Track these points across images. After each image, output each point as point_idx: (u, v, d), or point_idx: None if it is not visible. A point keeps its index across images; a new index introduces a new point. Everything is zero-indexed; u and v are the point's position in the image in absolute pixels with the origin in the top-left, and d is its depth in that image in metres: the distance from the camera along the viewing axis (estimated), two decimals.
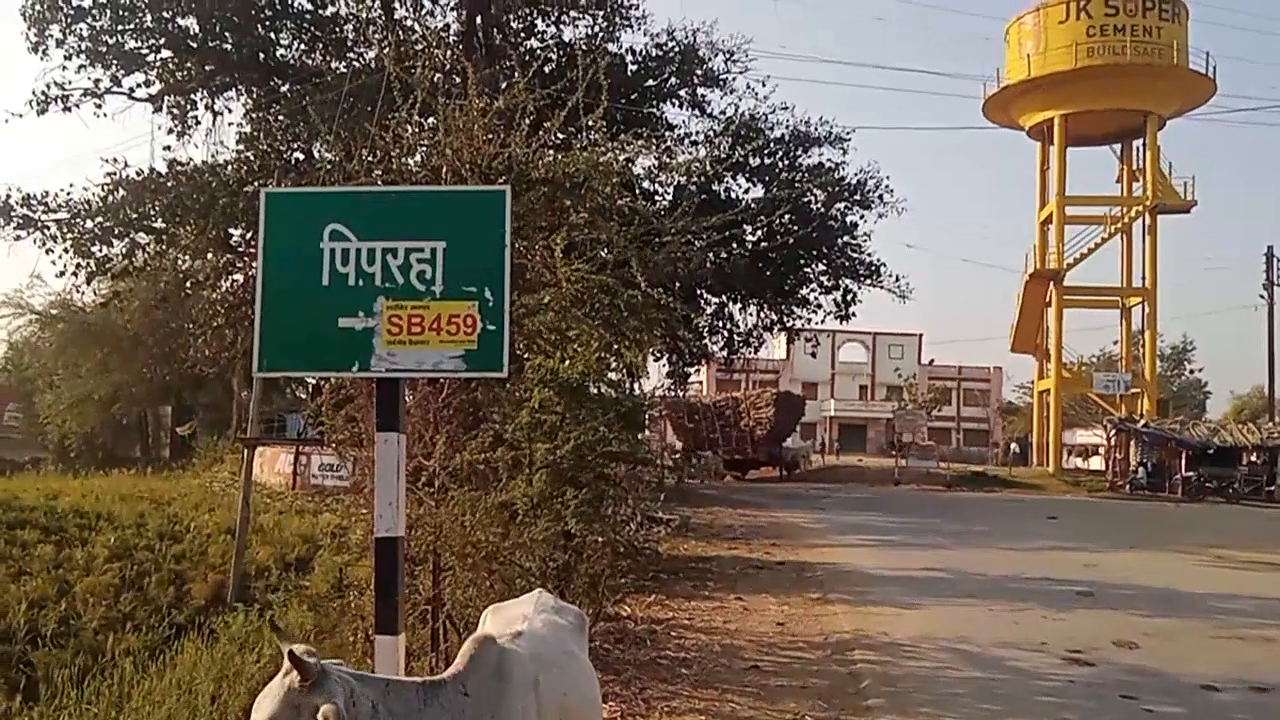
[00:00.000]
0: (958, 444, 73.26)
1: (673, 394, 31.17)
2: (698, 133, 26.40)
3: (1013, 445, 59.25)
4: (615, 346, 8.86)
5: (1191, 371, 78.74)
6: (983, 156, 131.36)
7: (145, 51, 19.63)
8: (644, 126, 23.62)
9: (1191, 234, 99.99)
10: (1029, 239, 47.65)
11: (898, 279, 28.12)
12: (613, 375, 9.59)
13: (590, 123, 8.52)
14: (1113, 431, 40.51)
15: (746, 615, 10.22)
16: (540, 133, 7.98)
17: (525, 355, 7.85)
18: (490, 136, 7.71)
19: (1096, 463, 49.23)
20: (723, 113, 26.12)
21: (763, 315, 29.81)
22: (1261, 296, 43.14)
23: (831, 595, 11.42)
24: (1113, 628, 9.59)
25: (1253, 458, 36.49)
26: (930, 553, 15.77)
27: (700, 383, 65.78)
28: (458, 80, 9.52)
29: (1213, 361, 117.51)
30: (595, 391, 9.00)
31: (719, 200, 26.93)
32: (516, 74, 8.65)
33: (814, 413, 76.00)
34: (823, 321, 29.75)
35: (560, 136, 10.53)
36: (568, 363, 8.30)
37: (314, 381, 11.88)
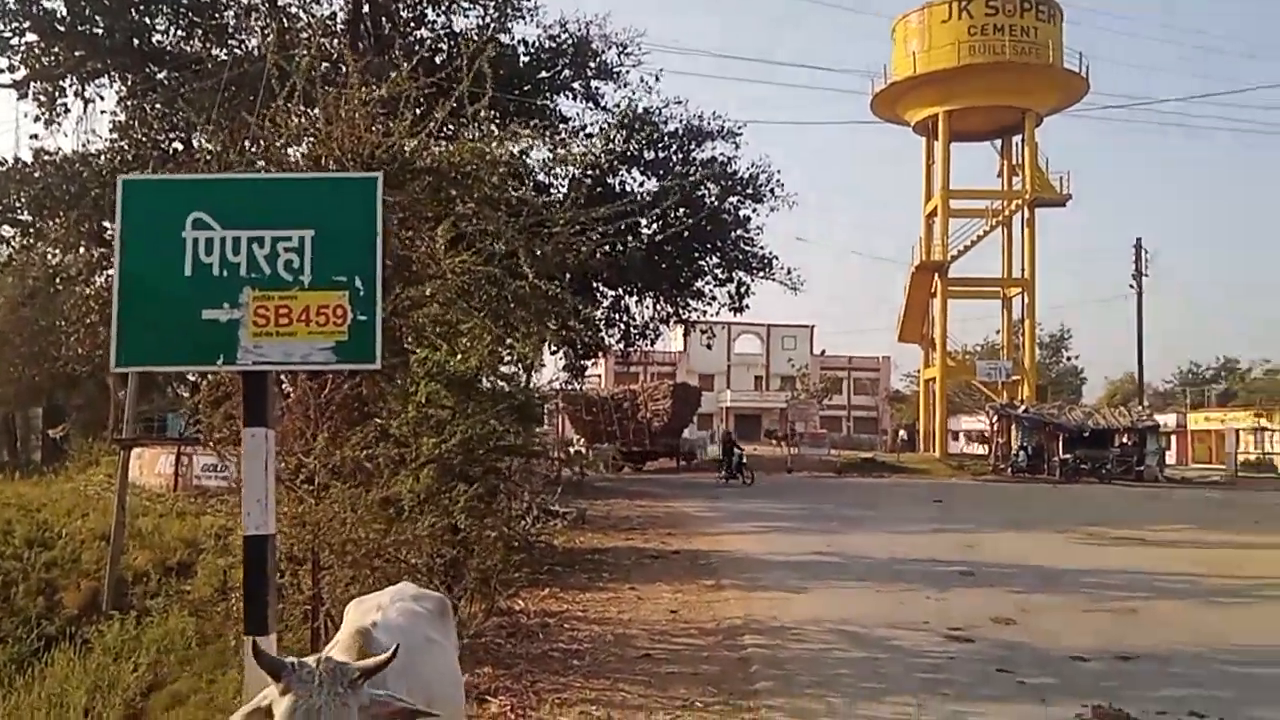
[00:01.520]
0: (849, 431, 74.98)
1: (570, 387, 31.14)
2: (592, 125, 26.40)
3: (901, 432, 61.09)
4: (507, 339, 8.81)
5: (1069, 358, 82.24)
6: (873, 151, 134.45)
7: (8, 35, 18.64)
8: (537, 118, 23.50)
9: (1068, 226, 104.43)
10: (916, 232, 49.06)
11: (789, 271, 28.63)
12: (507, 369, 9.55)
13: (477, 112, 8.45)
14: (995, 417, 42.02)
15: (640, 604, 10.27)
16: (427, 122, 7.87)
17: (413, 349, 7.75)
18: (374, 126, 7.57)
19: (981, 448, 51.05)
20: (617, 106, 26.21)
21: (659, 308, 30.00)
22: (1131, 286, 45.33)
23: (724, 582, 11.56)
24: (991, 605, 9.95)
25: (1124, 439, 38.33)
26: (820, 537, 16.10)
27: (599, 376, 65.90)
28: (344, 70, 9.31)
29: (1089, 349, 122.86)
30: (488, 385, 8.94)
31: (614, 193, 27.00)
32: (402, 63, 8.49)
33: (711, 404, 76.86)
34: (718, 314, 30.11)
35: (451, 127, 10.41)
36: (460, 356, 8.22)
37: (193, 378, 11.49)
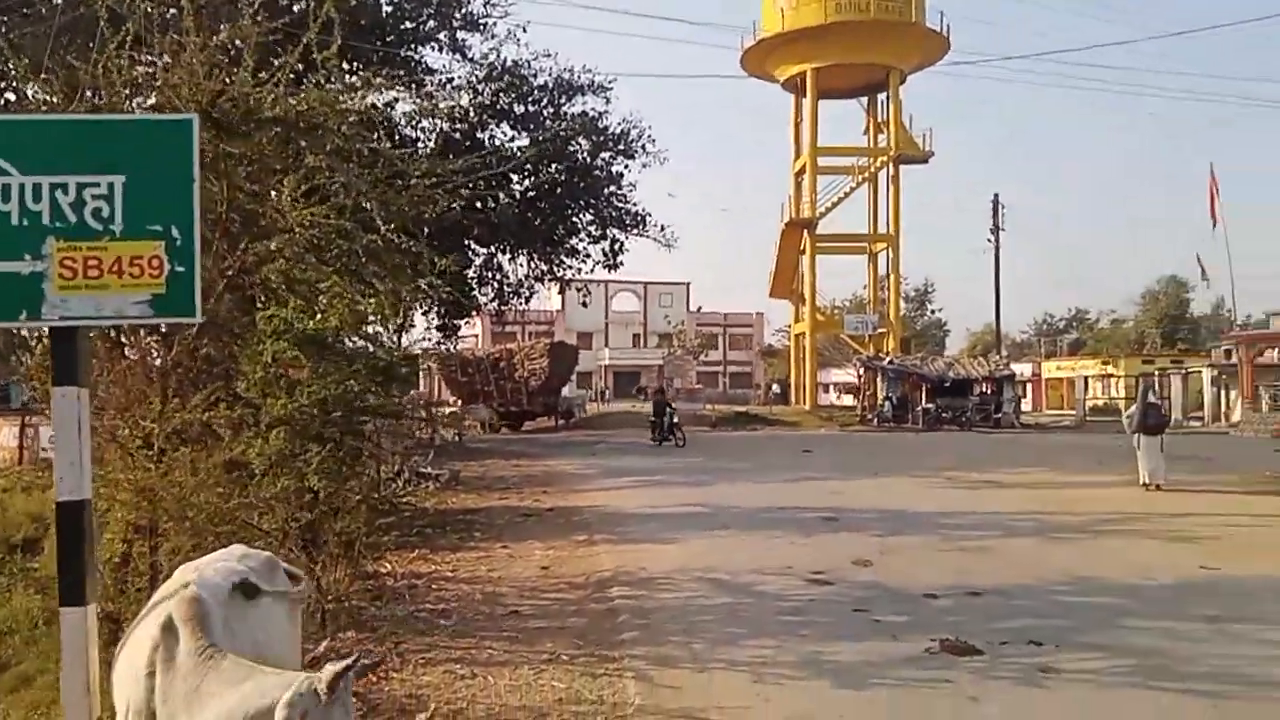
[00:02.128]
0: (725, 386, 76.35)
1: (442, 347, 30.65)
2: (459, 78, 25.78)
3: (774, 386, 62.49)
4: (366, 296, 8.54)
5: (933, 311, 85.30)
6: (745, 107, 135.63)
7: None
8: (402, 70, 22.79)
9: (931, 182, 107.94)
10: (787, 188, 49.84)
11: (663, 228, 28.71)
12: (371, 328, 9.28)
13: (327, 60, 8.09)
14: (862, 369, 43.35)
15: (511, 562, 10.23)
16: (274, 70, 7.50)
17: (265, 306, 7.45)
18: (214, 73, 7.18)
19: (851, 399, 52.60)
20: (484, 58, 25.69)
21: (533, 265, 29.73)
22: (989, 240, 47.20)
23: (597, 536, 11.62)
24: (852, 549, 10.30)
25: (983, 388, 40.09)
26: (693, 490, 16.36)
27: (475, 336, 65.12)
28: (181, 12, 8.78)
29: (951, 301, 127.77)
30: (350, 344, 8.68)
31: (483, 147, 26.52)
32: (245, 6, 8.06)
33: (589, 362, 77.01)
34: (592, 271, 30.03)
35: (307, 77, 9.94)
36: (319, 315, 7.93)
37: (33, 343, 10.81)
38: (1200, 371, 44.72)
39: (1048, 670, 5.84)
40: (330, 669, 2.68)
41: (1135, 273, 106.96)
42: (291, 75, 8.00)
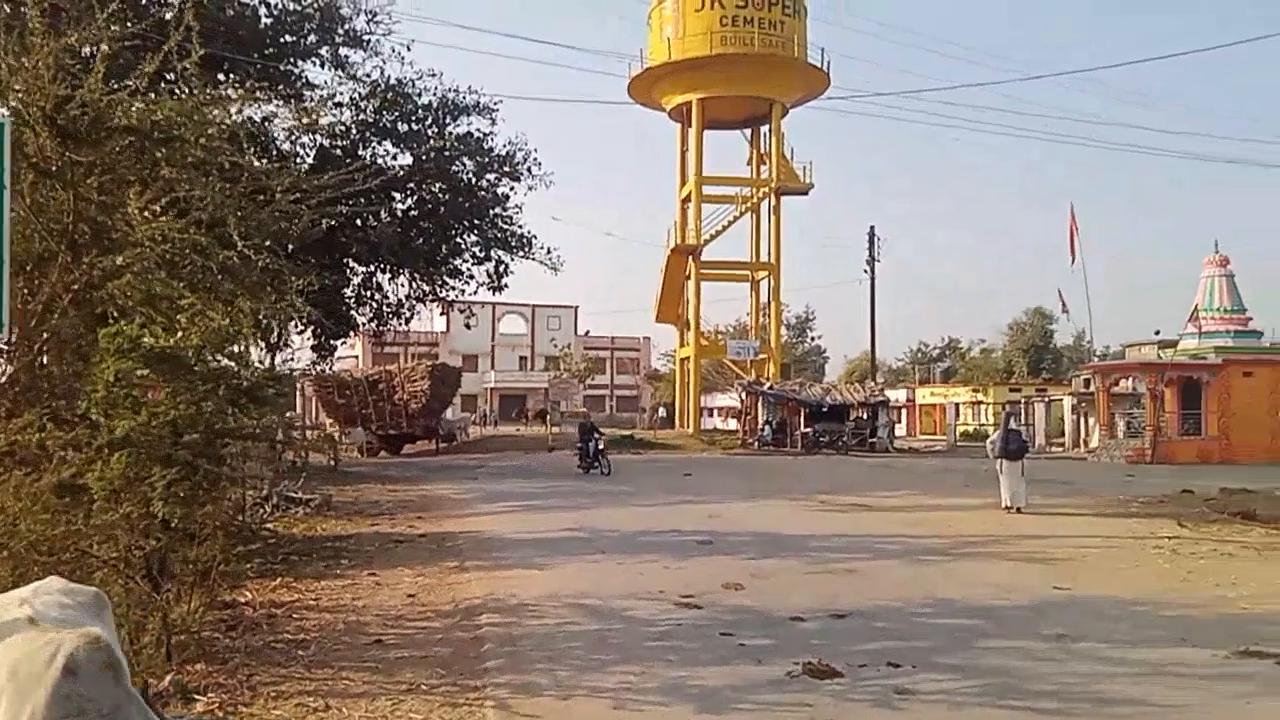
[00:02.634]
0: (611, 410, 76.54)
1: (318, 368, 29.86)
2: (342, 95, 25.33)
3: (660, 409, 62.88)
4: (228, 314, 8.22)
5: (813, 339, 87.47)
6: (632, 135, 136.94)
7: None
8: (281, 84, 22.25)
9: (812, 213, 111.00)
10: (673, 215, 50.39)
11: (549, 251, 28.69)
12: (237, 348, 8.92)
13: (184, 70, 7.81)
14: (743, 394, 43.99)
15: (378, 590, 9.93)
16: (129, 77, 7.19)
17: (115, 322, 7.09)
18: (61, 77, 6.83)
19: (734, 423, 53.29)
20: (367, 76, 25.29)
21: (414, 285, 29.27)
22: (865, 271, 48.59)
23: (469, 563, 11.42)
24: (724, 572, 10.36)
25: (859, 414, 41.14)
26: (572, 514, 16.25)
27: (355, 357, 63.67)
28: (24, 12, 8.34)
29: (830, 329, 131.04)
30: (215, 364, 8.32)
31: (365, 165, 26.02)
32: (99, 9, 7.70)
33: (474, 384, 76.19)
34: (476, 293, 29.77)
35: (175, 87, 9.56)
36: (180, 333, 7.59)
37: None
38: (1062, 400, 46.90)
39: (904, 692, 5.95)
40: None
41: (1005, 304, 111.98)
42: (151, 84, 7.71)
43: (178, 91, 7.41)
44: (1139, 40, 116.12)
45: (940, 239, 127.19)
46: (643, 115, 51.71)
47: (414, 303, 29.83)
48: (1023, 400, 49.15)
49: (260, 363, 12.19)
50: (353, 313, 28.48)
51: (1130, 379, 38.64)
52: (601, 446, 26.18)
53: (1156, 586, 9.78)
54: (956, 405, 55.53)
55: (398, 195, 27.53)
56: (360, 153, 26.11)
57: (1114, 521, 15.60)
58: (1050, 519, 15.80)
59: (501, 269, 28.72)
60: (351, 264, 27.48)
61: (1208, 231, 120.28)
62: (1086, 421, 42.49)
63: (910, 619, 8.21)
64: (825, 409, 40.74)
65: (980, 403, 56.45)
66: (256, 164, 8.00)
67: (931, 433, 56.85)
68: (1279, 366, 35.93)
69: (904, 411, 62.43)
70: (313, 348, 29.03)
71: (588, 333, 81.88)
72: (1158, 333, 44.88)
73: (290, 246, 9.67)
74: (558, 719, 5.57)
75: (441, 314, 32.23)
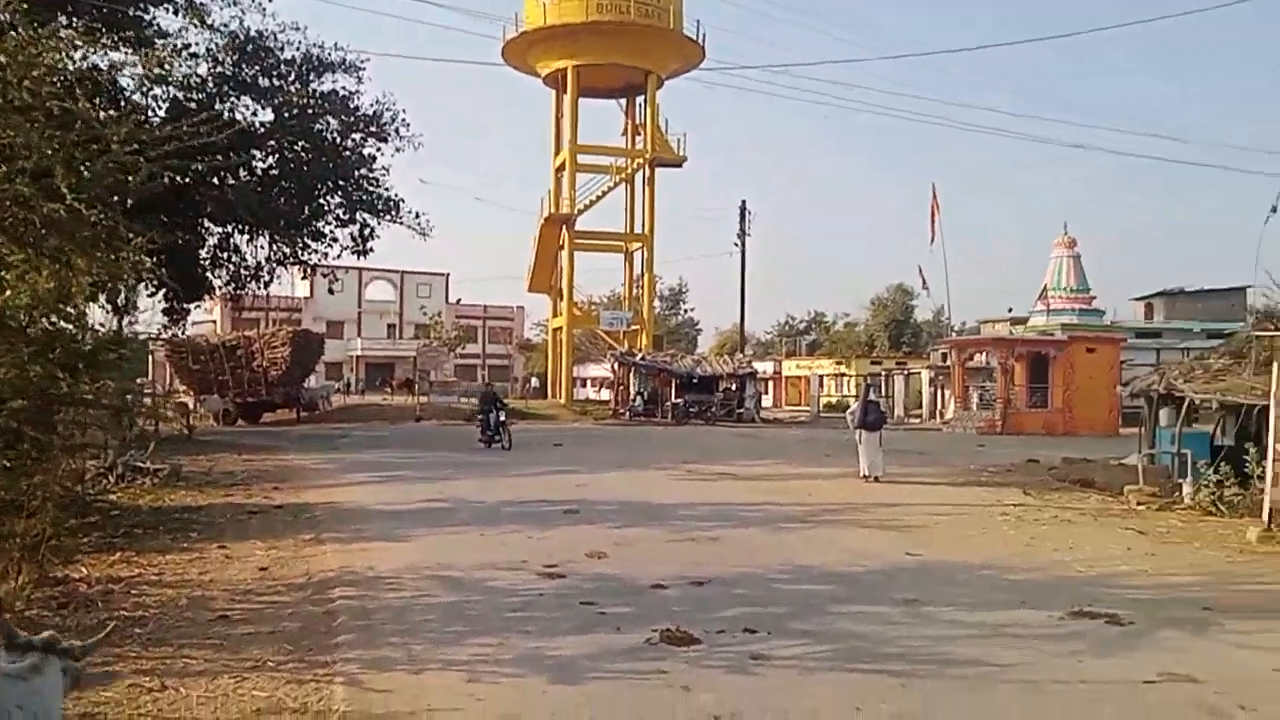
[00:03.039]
0: (483, 379, 75.60)
1: (169, 332, 28.48)
2: (197, 45, 24.07)
3: (533, 379, 62.54)
4: (60, 272, 7.65)
5: (686, 311, 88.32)
6: (508, 99, 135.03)
7: None
8: (130, 30, 20.94)
9: (687, 186, 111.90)
10: (547, 183, 49.87)
11: (418, 215, 28.04)
12: (72, 309, 8.33)
13: (13, 5, 7.20)
14: (616, 364, 44.12)
15: (227, 564, 9.52)
16: None
17: None
18: None
19: (607, 394, 53.44)
20: (225, 25, 24.07)
21: (274, 248, 28.17)
22: (736, 244, 49.25)
23: (326, 535, 11.07)
24: (589, 541, 10.33)
25: (728, 385, 41.80)
26: (437, 484, 15.98)
27: (214, 321, 61.07)
28: None
29: (703, 301, 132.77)
30: (48, 326, 7.77)
31: (222, 119, 24.80)
32: None
33: (340, 352, 74.18)
34: (340, 256, 28.87)
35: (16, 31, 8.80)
36: (9, 291, 7.03)
37: None
38: (920, 373, 48.71)
39: (758, 657, 6.02)
40: None
41: (870, 278, 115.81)
42: None
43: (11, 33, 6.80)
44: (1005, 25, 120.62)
45: (810, 214, 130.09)
46: (519, 80, 50.79)
47: (274, 266, 28.73)
48: (883, 373, 50.88)
49: (102, 326, 11.47)
50: (208, 275, 27.25)
51: (984, 353, 40.42)
52: (504, 418, 24.50)
53: (1002, 552, 10.23)
54: (821, 377, 57.09)
55: (257, 153, 26.38)
56: (217, 107, 24.91)
57: (965, 490, 16.27)
58: (906, 487, 16.37)
59: (367, 232, 27.93)
60: (207, 224, 26.28)
61: (1062, 213, 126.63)
62: (943, 394, 44.27)
63: (769, 585, 8.34)
64: (696, 380, 41.24)
65: (843, 375, 58.11)
66: (91, 111, 7.41)
67: (797, 404, 58.27)
68: (1118, 344, 38.12)
69: (771, 383, 63.78)
70: (164, 311, 27.62)
71: (459, 301, 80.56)
72: (1010, 310, 47.19)
73: (130, 202, 9.06)
74: (409, 693, 5.41)
75: (303, 278, 31.08)
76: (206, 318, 60.34)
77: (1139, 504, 14.38)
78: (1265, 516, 11.22)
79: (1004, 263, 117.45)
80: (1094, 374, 36.02)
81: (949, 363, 42.26)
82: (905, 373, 50.42)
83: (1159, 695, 5.38)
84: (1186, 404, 16.47)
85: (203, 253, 26.62)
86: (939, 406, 44.50)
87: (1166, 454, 16.49)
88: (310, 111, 26.06)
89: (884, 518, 12.67)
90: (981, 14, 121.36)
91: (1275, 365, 11.51)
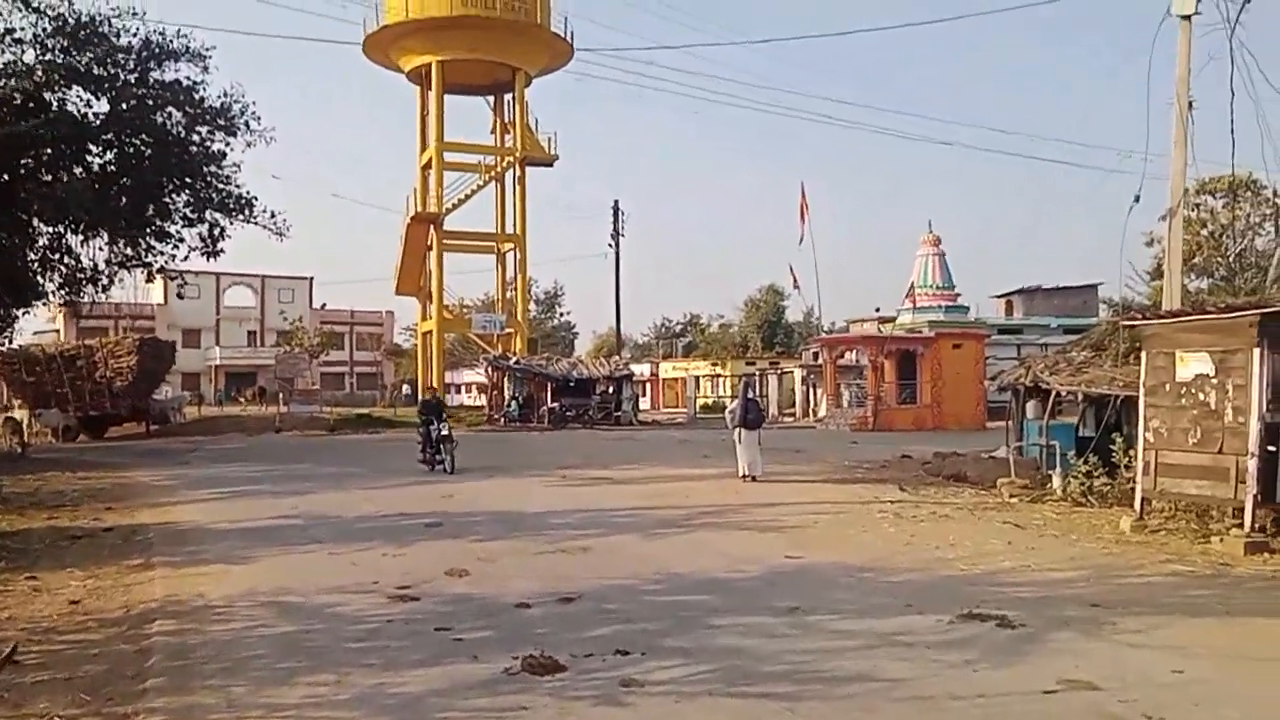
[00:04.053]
0: (352, 388, 73.31)
1: None
2: (22, 30, 22.21)
3: (404, 386, 60.73)
4: None
5: (562, 315, 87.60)
6: (372, 94, 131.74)
7: None
8: None
9: (560, 186, 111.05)
10: (414, 182, 48.37)
11: (274, 215, 26.61)
12: None
13: None
14: (489, 369, 43.07)
15: (33, 598, 8.38)
16: None
17: None
18: None
19: (483, 399, 52.21)
20: (53, 8, 22.21)
21: (115, 250, 26.20)
22: (610, 245, 48.77)
23: (156, 559, 9.98)
24: (450, 557, 9.55)
25: (605, 388, 41.26)
26: (289, 499, 14.88)
27: (57, 330, 57.25)
28: None
29: (580, 305, 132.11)
30: None
31: (52, 111, 22.94)
32: None
33: (198, 361, 70.65)
34: (187, 259, 27.02)
35: None
36: None
37: None
38: (793, 372, 49.19)
39: (630, 684, 5.39)
40: None
41: (744, 279, 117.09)
42: None
43: None
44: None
45: (684, 215, 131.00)
46: (383, 74, 49.10)
47: (115, 269, 26.72)
48: (757, 373, 51.18)
49: None
50: (38, 278, 25.12)
51: (854, 351, 40.96)
52: (446, 432, 19.38)
53: (883, 551, 9.89)
54: (697, 379, 57.13)
55: (94, 147, 24.51)
56: (47, 97, 23.02)
57: (842, 487, 16.07)
58: (783, 486, 16.07)
59: (217, 233, 26.24)
60: (36, 223, 24.23)
61: (929, 211, 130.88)
62: (815, 392, 44.74)
63: (642, 598, 7.73)
64: (572, 384, 40.57)
65: (719, 376, 58.33)
66: None
67: (674, 406, 58.22)
68: (982, 340, 39.15)
69: (648, 385, 63.62)
70: None
71: (324, 306, 77.75)
72: (878, 310, 48.14)
73: None
74: None
75: (148, 281, 29.01)
76: (49, 327, 56.54)
77: (1011, 496, 14.40)
78: (1137, 506, 11.23)
79: (873, 262, 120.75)
80: (960, 369, 36.87)
81: (821, 361, 42.73)
82: (779, 372, 50.86)
83: (1061, 706, 4.97)
84: (1053, 396, 16.70)
85: (31, 254, 24.53)
86: (812, 404, 44.95)
87: (1034, 446, 16.64)
88: (151, 103, 24.34)
89: (762, 519, 12.26)
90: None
91: (1144, 354, 11.52)
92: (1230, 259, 31.54)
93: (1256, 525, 9.75)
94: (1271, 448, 9.68)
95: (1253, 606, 7.36)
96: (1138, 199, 15.36)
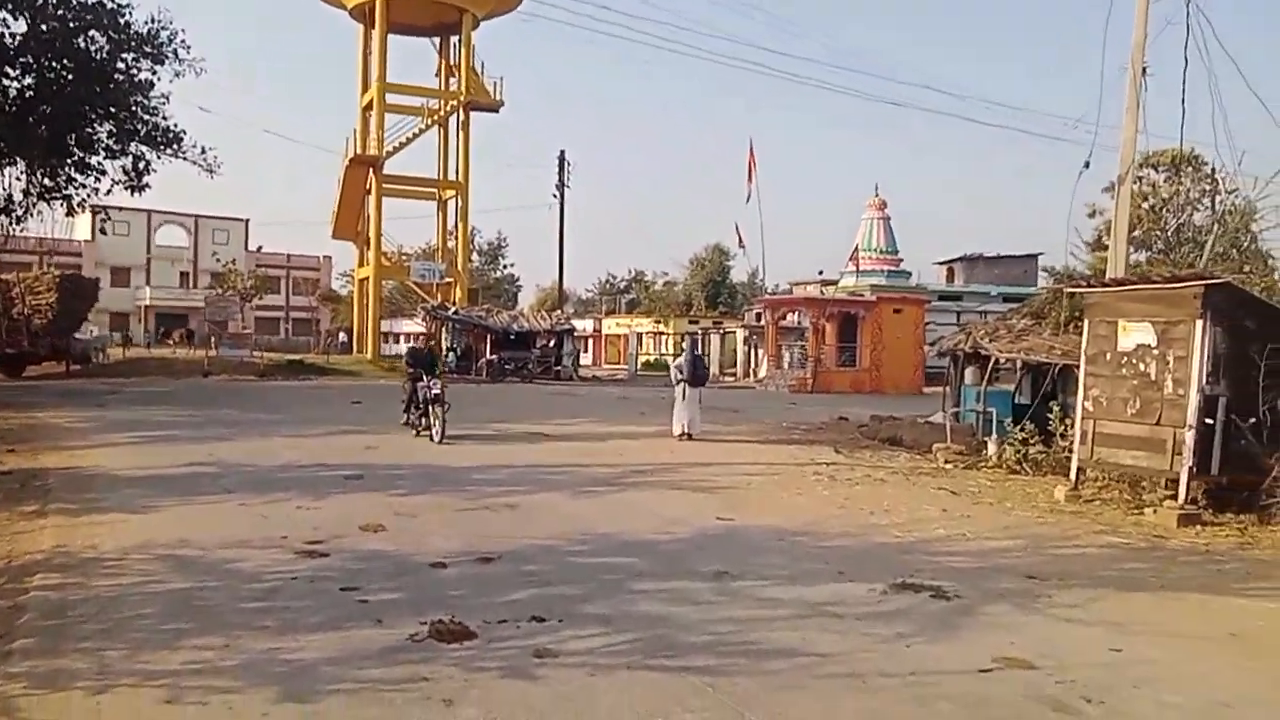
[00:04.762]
0: (287, 333, 71.64)
1: None
2: None
3: (341, 334, 59.50)
4: None
5: (506, 266, 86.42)
6: (313, 32, 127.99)
7: None
8: None
9: (506, 134, 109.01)
10: (354, 123, 46.94)
11: (204, 150, 25.54)
12: None
13: None
14: (426, 318, 42.22)
15: None
16: None
17: None
18: None
19: None
20: None
21: (33, 181, 24.90)
22: (555, 196, 47.94)
23: (52, 506, 9.37)
24: (366, 511, 9.10)
25: (546, 342, 40.69)
26: (206, 445, 14.24)
27: None
28: None
29: (524, 258, 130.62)
30: None
31: None
32: None
33: (128, 301, 68.43)
34: (109, 192, 25.77)
35: None
36: None
37: None
38: (735, 332, 49.06)
39: (543, 655, 5.03)
40: None
41: (691, 236, 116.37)
42: None
43: None
44: None
45: (632, 168, 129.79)
46: (324, 11, 47.39)
47: (33, 200, 25.42)
48: (700, 332, 50.96)
49: None
50: None
51: (796, 313, 40.88)
52: (438, 391, 15.72)
53: (816, 515, 9.64)
54: (640, 335, 56.78)
55: (10, 70, 23.17)
56: None
57: (777, 448, 15.86)
58: (719, 446, 15.81)
59: (142, 166, 25.06)
60: None
61: (876, 173, 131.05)
62: (757, 353, 44.66)
63: (564, 560, 7.37)
64: (512, 336, 39.96)
65: (662, 334, 58.04)
66: None
67: (616, 362, 57.87)
68: (923, 305, 39.27)
69: (591, 341, 63.15)
70: None
71: (260, 249, 75.69)
72: (821, 273, 48.03)
73: None
74: None
75: (68, 215, 27.66)
76: None
77: (946, 462, 14.29)
78: (1072, 475, 11.13)
79: (818, 223, 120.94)
80: (900, 334, 36.97)
81: (763, 322, 42.58)
82: (721, 332, 50.69)
83: (997, 687, 4.71)
84: (991, 363, 16.62)
85: None
86: (753, 365, 44.89)
87: (971, 412, 16.56)
88: (73, 24, 23.03)
89: (695, 478, 11.96)
90: None
91: (1086, 323, 11.36)
92: (1169, 233, 31.88)
93: (1190, 498, 9.68)
94: (1209, 420, 9.59)
95: (1188, 581, 7.22)
96: (1087, 165, 15.24)
